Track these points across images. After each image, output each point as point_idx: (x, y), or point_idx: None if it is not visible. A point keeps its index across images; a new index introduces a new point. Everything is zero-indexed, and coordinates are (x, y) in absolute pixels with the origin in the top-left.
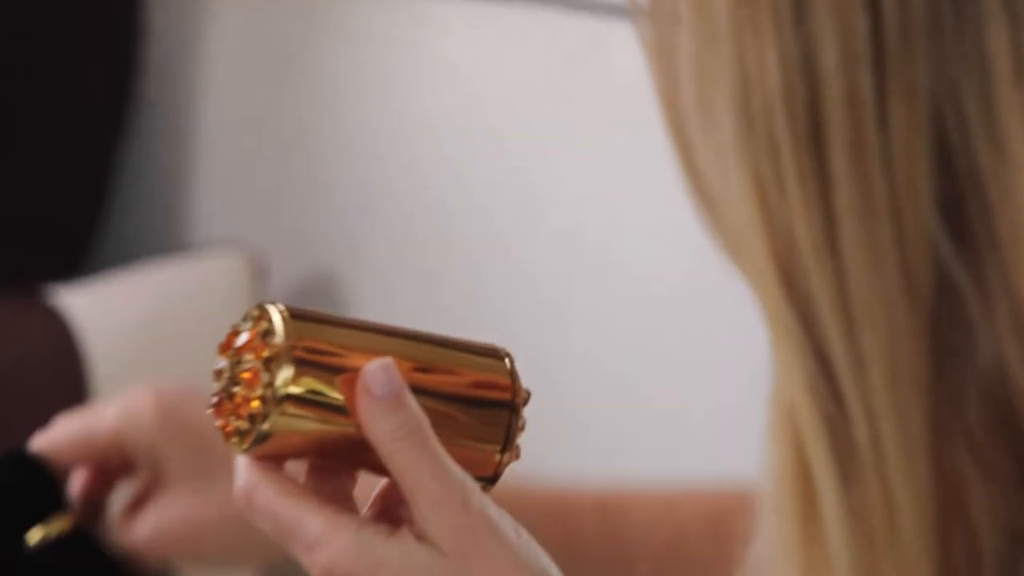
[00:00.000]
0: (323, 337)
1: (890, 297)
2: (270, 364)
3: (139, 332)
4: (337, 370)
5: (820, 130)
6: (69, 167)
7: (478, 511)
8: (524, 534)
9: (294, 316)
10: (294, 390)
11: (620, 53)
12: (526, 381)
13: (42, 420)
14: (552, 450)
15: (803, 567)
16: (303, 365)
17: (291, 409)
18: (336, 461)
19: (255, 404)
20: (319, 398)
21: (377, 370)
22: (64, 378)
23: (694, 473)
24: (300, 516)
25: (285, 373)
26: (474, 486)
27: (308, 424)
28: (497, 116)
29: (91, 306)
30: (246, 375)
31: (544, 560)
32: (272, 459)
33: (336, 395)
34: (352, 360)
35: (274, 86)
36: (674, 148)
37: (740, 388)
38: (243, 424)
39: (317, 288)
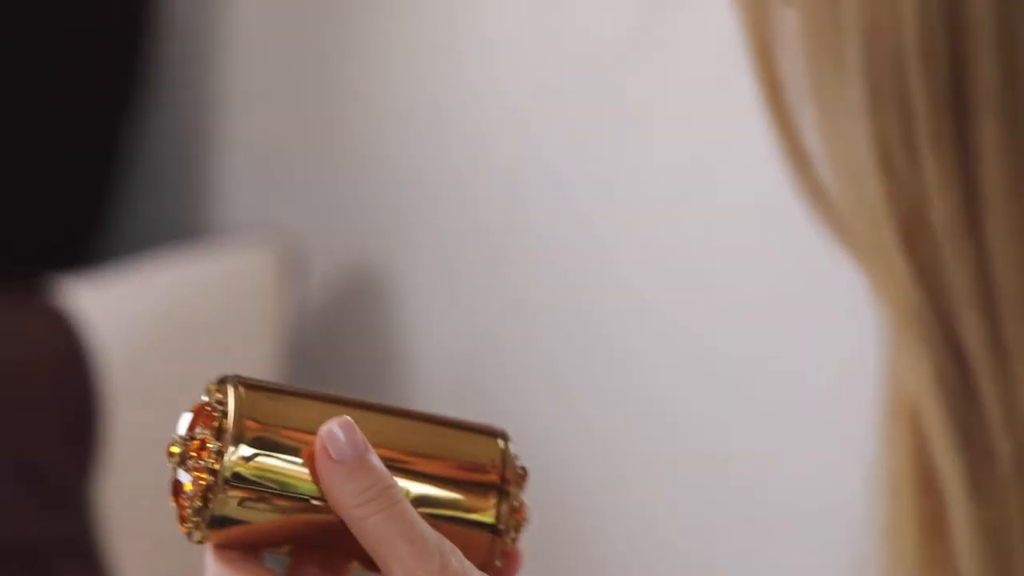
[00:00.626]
0: (283, 412)
1: None
2: (220, 436)
3: (158, 334)
4: (298, 450)
5: (964, 90)
6: (75, 144)
7: (457, 574)
8: None
9: (252, 387)
10: (244, 469)
11: (695, 15)
12: (596, 388)
13: (49, 428)
14: (618, 491)
15: None
16: (257, 443)
17: (243, 492)
18: (317, 551)
19: (205, 479)
20: (278, 478)
21: (335, 429)
22: (71, 385)
23: (778, 496)
24: None
25: (232, 449)
26: (452, 548)
27: (267, 510)
28: (559, 93)
29: (101, 302)
30: (194, 445)
31: None
32: (242, 548)
33: (300, 478)
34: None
35: (309, 53)
36: (768, 107)
37: (838, 408)
38: (198, 504)
39: (357, 282)
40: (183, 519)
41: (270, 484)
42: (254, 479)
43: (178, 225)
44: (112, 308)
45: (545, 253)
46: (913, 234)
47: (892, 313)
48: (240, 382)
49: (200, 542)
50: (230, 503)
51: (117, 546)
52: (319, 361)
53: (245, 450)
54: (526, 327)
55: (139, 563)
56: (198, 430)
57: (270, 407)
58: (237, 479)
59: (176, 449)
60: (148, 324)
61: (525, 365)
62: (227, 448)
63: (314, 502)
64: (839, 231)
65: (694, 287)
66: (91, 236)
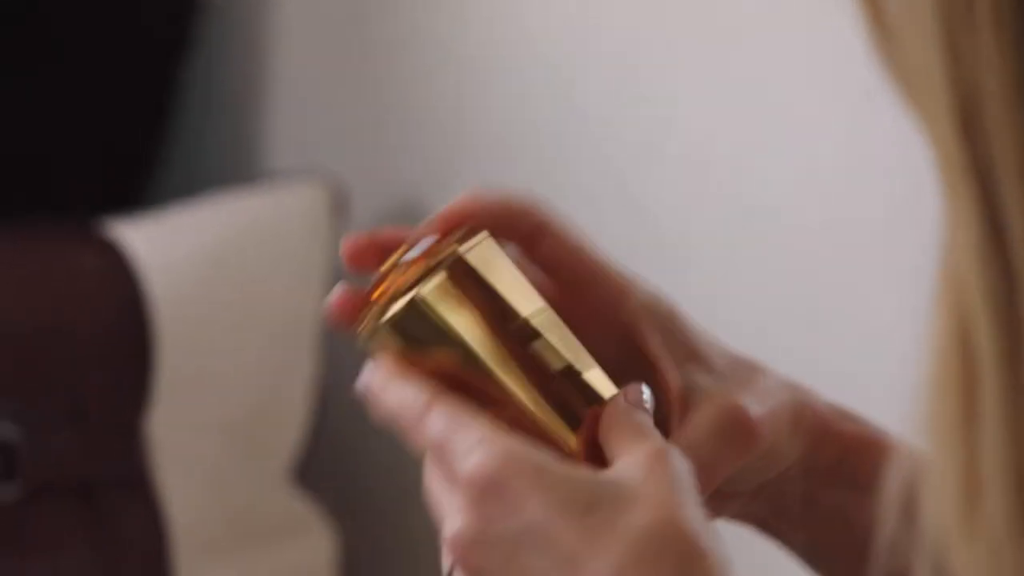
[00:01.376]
0: (498, 274)
1: None
2: (440, 258)
3: (206, 271)
4: (486, 299)
5: None
6: (128, 87)
7: (666, 456)
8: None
9: (491, 243)
10: (431, 295)
11: None
12: None
13: (99, 365)
14: None
15: (958, 450)
16: (459, 281)
17: (420, 314)
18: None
19: (396, 288)
20: (454, 318)
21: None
22: (123, 321)
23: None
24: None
25: (437, 275)
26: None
27: (432, 342)
28: (610, 30)
29: (153, 242)
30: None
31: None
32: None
33: (469, 330)
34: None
35: None
36: None
37: (880, 339)
38: (379, 308)
39: (404, 224)
40: (360, 320)
41: (444, 321)
42: (433, 308)
43: (227, 168)
44: (163, 247)
45: (623, 201)
46: (966, 104)
47: (942, 180)
48: (489, 236)
49: (364, 345)
50: (403, 319)
51: (167, 482)
52: None
53: (442, 280)
54: None
55: (189, 498)
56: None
57: (494, 264)
58: (421, 302)
59: (395, 258)
60: (198, 263)
61: None
62: (436, 270)
63: (472, 354)
64: (905, 94)
65: (739, 239)
66: (143, 178)
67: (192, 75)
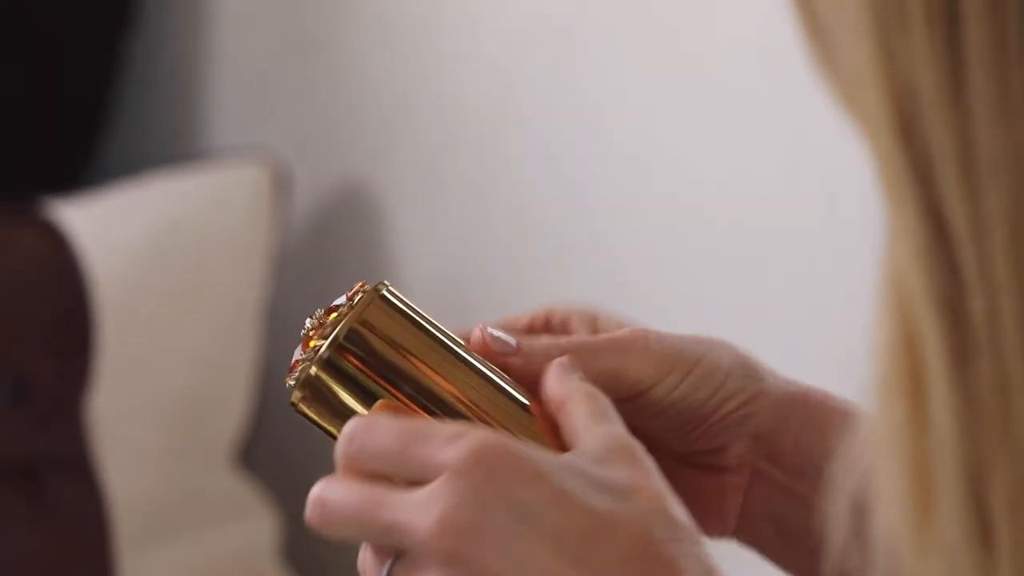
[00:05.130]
0: (394, 331)
1: (1020, 155)
2: (335, 323)
3: (147, 251)
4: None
5: None
6: (68, 64)
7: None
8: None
9: (385, 299)
10: (334, 360)
11: None
12: None
13: (42, 348)
14: None
15: (909, 458)
16: (356, 345)
17: (329, 378)
18: None
19: (308, 351)
20: (354, 385)
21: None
22: (62, 302)
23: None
24: (430, 423)
25: (334, 339)
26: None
27: (338, 403)
28: (554, 15)
29: (95, 223)
30: (319, 326)
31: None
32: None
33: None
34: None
35: None
36: None
37: (816, 332)
38: (298, 369)
39: (346, 203)
40: (290, 372)
41: (346, 385)
42: (339, 372)
43: (168, 146)
44: (104, 228)
45: (560, 183)
46: (903, 104)
47: (882, 183)
48: (383, 291)
49: (292, 404)
50: (313, 381)
51: (109, 463)
52: (304, 280)
53: (343, 345)
54: (506, 246)
55: (131, 479)
56: (332, 317)
57: (389, 326)
58: (328, 364)
59: (308, 322)
60: (139, 241)
61: (504, 282)
62: (334, 333)
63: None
64: (840, 95)
65: (677, 204)
66: (84, 157)
67: (133, 53)
